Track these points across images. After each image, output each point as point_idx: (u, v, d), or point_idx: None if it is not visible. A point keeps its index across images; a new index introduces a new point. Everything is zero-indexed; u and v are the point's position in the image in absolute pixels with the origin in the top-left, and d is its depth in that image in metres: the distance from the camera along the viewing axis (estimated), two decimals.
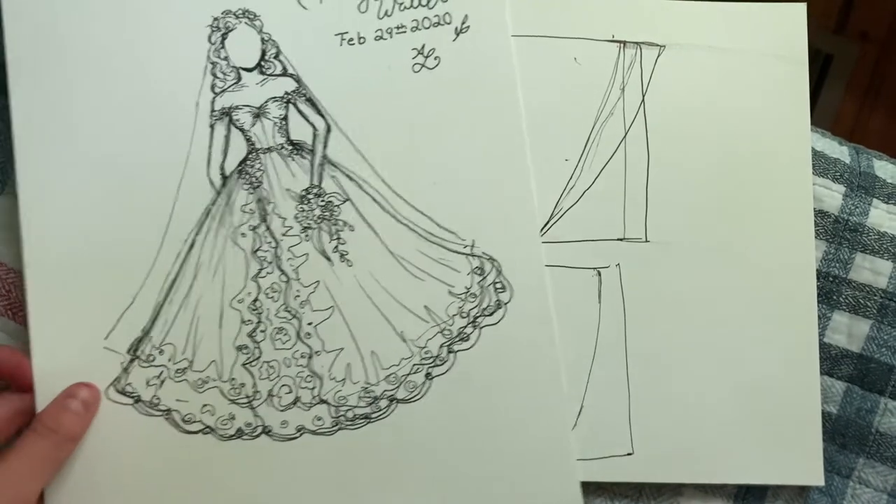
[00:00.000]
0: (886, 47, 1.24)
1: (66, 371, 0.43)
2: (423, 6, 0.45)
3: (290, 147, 0.45)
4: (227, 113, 0.45)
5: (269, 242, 0.45)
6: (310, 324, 0.44)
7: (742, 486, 0.46)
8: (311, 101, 0.45)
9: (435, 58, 0.45)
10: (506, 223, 0.45)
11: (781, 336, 0.46)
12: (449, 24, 0.46)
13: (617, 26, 0.48)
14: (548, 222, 0.46)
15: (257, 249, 0.44)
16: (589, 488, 0.45)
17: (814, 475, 0.45)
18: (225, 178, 0.44)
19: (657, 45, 0.48)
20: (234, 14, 0.45)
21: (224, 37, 0.45)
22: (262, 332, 0.44)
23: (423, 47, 0.45)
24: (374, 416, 0.44)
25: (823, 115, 1.23)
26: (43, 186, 0.44)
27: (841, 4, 1.25)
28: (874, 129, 1.23)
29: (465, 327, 0.44)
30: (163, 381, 0.44)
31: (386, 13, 0.45)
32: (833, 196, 0.48)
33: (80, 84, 0.44)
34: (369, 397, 0.44)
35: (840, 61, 1.24)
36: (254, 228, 0.45)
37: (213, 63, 0.45)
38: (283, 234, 0.45)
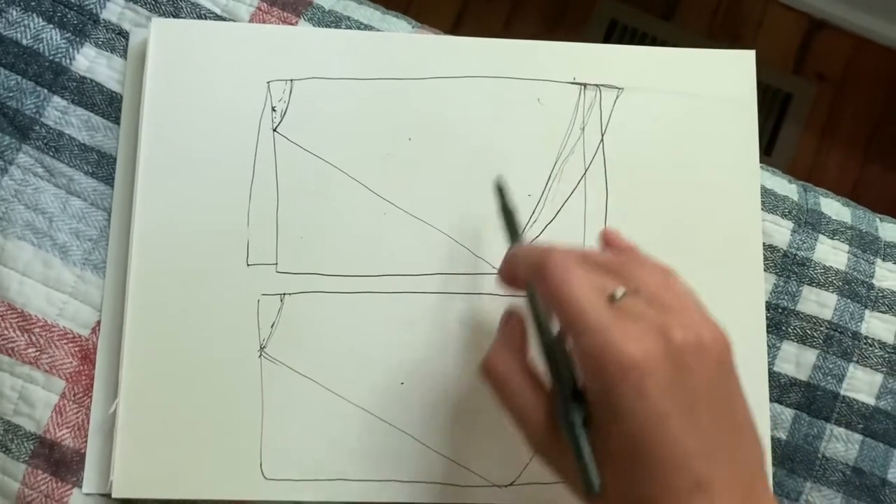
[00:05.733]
0: (841, 88, 1.29)
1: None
2: None
3: None
4: None
5: None
6: None
7: None
8: None
9: None
10: None
11: None
12: None
13: (578, 70, 0.50)
14: None
15: None
16: None
17: None
18: None
19: (616, 88, 0.50)
20: None
21: None
22: None
23: None
24: None
25: (783, 153, 1.27)
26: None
27: (798, 45, 1.30)
28: (832, 166, 1.27)
29: None
30: None
31: None
32: (782, 231, 0.50)
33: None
34: None
35: (798, 100, 1.28)
36: None
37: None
38: None
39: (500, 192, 0.45)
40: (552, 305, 0.37)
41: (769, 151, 1.26)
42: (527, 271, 0.38)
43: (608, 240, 0.43)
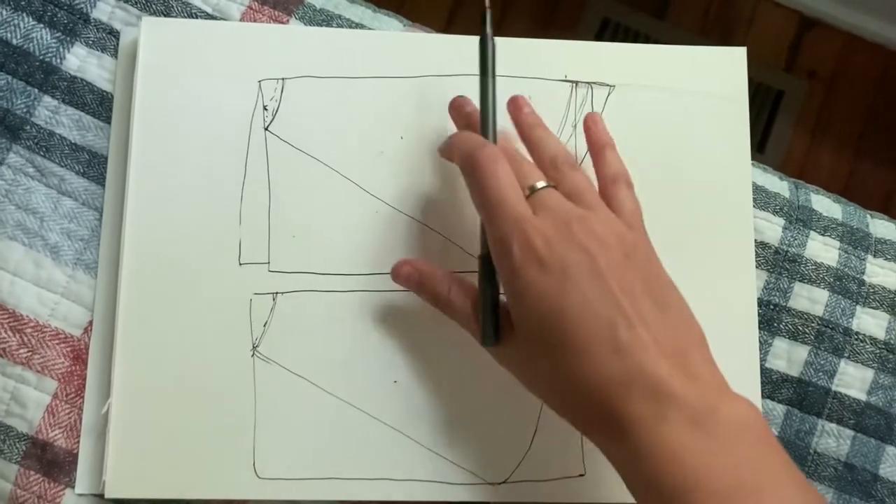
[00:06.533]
0: (832, 85, 1.30)
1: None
2: None
3: None
4: None
5: None
6: None
7: None
8: None
9: None
10: None
11: (726, 361, 0.47)
12: None
13: (569, 67, 0.50)
14: None
15: None
16: None
17: None
18: None
19: (607, 85, 0.50)
20: None
21: None
22: None
23: None
24: None
25: (775, 150, 1.27)
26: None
27: (790, 43, 1.30)
28: (823, 163, 1.28)
29: None
30: None
31: None
32: (773, 228, 0.51)
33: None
34: None
35: (790, 98, 1.28)
36: None
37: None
38: None
39: (483, 20, 0.46)
40: (474, 196, 0.41)
41: (761, 149, 1.27)
42: (460, 159, 0.42)
43: (585, 127, 0.47)
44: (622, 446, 0.36)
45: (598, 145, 0.45)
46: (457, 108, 0.46)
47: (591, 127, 0.46)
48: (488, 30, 0.45)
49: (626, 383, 0.35)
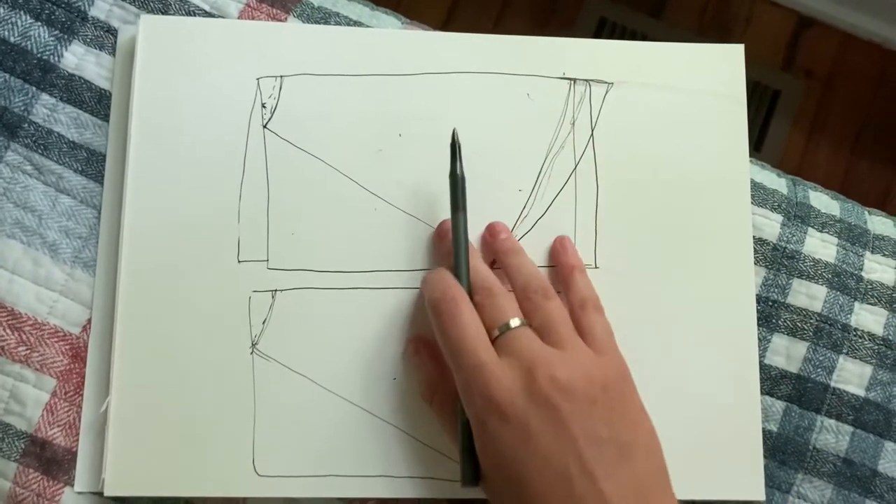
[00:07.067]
0: (829, 84, 1.30)
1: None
2: None
3: None
4: None
5: None
6: None
7: (686, 502, 0.48)
8: None
9: None
10: None
11: (724, 358, 0.48)
12: None
13: (568, 65, 0.50)
14: None
15: None
16: None
17: (755, 491, 0.47)
18: None
19: (605, 83, 0.50)
20: None
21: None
22: None
23: None
24: None
25: (773, 149, 1.27)
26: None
27: (787, 42, 1.31)
28: (820, 162, 1.28)
29: None
30: None
31: None
32: (771, 225, 0.51)
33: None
34: None
35: (787, 97, 1.29)
36: None
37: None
38: None
39: (453, 153, 0.45)
40: (439, 341, 0.41)
41: (758, 148, 1.27)
42: (427, 302, 0.42)
43: (554, 251, 0.47)
44: None
45: (567, 268, 0.45)
46: (441, 235, 0.47)
47: (560, 250, 0.47)
48: (459, 165, 0.45)
49: None
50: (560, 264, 0.46)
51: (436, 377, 0.44)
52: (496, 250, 0.46)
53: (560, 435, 0.37)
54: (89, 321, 0.46)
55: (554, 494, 0.36)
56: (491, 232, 0.47)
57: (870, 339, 0.50)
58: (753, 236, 0.50)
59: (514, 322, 0.40)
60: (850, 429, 0.49)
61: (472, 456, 0.40)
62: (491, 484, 0.39)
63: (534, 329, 0.41)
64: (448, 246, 0.44)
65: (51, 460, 0.45)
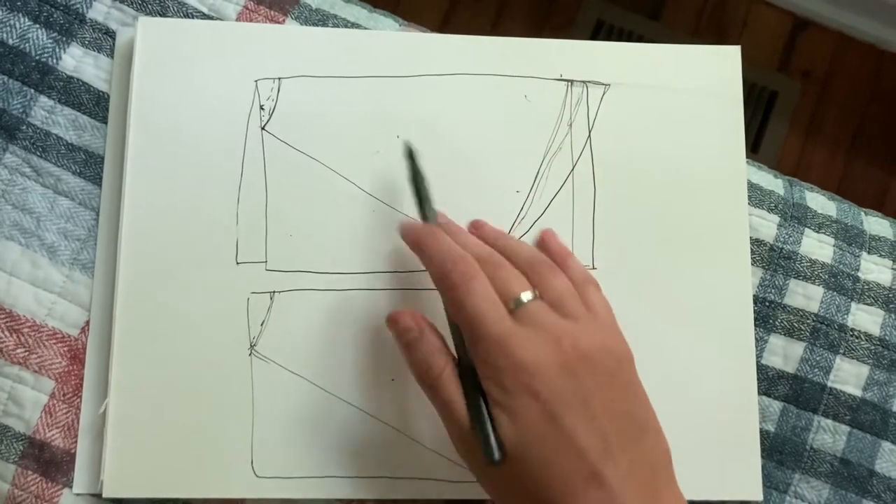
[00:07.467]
0: (826, 85, 1.30)
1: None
2: None
3: None
4: None
5: None
6: None
7: None
8: None
9: None
10: None
11: (722, 358, 0.48)
12: None
13: (565, 66, 0.50)
14: None
15: None
16: None
17: (753, 490, 0.47)
18: None
19: (602, 84, 0.50)
20: None
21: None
22: None
23: None
24: None
25: (769, 150, 1.28)
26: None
27: (784, 44, 1.31)
28: (817, 162, 1.28)
29: None
30: None
31: None
32: (768, 226, 0.51)
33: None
34: None
35: (784, 98, 1.29)
36: None
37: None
38: None
39: (411, 157, 0.45)
40: (454, 315, 0.39)
41: (755, 149, 1.27)
42: (434, 276, 0.40)
43: (542, 241, 0.46)
44: None
45: (560, 256, 0.44)
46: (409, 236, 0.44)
47: (549, 241, 0.45)
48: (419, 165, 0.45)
49: None
50: (553, 252, 0.45)
51: (438, 355, 0.40)
52: (485, 238, 0.44)
53: (584, 409, 0.36)
54: (88, 323, 0.46)
55: (574, 471, 0.36)
56: (474, 225, 0.46)
57: (866, 340, 0.50)
58: (750, 237, 0.50)
59: (527, 295, 0.39)
60: (846, 429, 0.49)
61: (494, 429, 0.37)
62: (509, 464, 0.37)
63: (545, 303, 0.40)
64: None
65: (49, 462, 0.45)
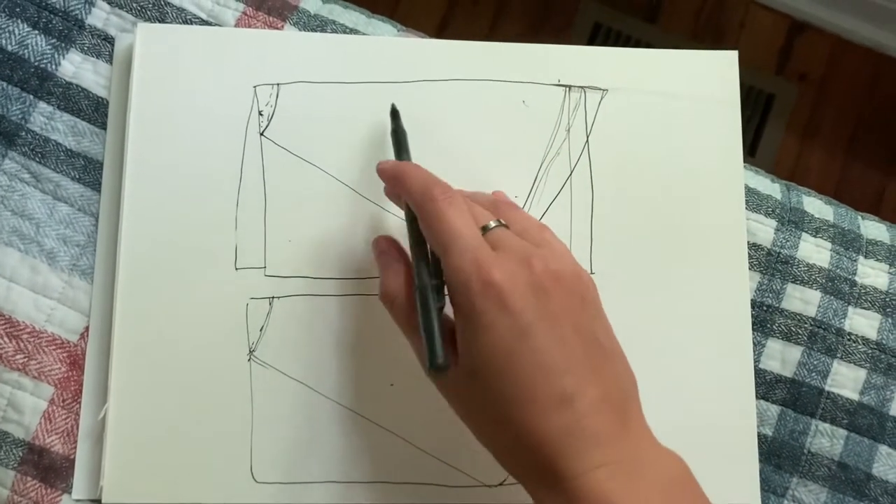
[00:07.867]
0: (823, 88, 1.30)
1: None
2: None
3: None
4: None
5: None
6: None
7: None
8: None
9: None
10: None
11: (719, 362, 0.49)
12: None
13: (563, 72, 0.51)
14: None
15: None
16: None
17: (751, 495, 0.47)
18: None
19: (600, 90, 0.51)
20: None
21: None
22: None
23: None
24: None
25: (766, 153, 1.28)
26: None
27: (781, 47, 1.31)
28: (814, 165, 1.28)
29: None
30: None
31: None
32: (765, 230, 0.51)
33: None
34: None
35: (781, 101, 1.29)
36: None
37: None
38: None
39: (394, 116, 0.47)
40: (430, 229, 0.40)
41: (753, 152, 1.27)
42: (414, 197, 0.41)
43: (496, 196, 0.47)
44: (558, 497, 0.36)
45: (506, 207, 0.45)
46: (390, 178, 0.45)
47: (501, 196, 0.47)
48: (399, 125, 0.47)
49: (567, 435, 0.35)
50: (507, 203, 0.46)
51: (403, 274, 0.42)
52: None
53: (554, 328, 0.36)
54: (87, 329, 0.46)
55: (544, 389, 0.36)
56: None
57: (863, 344, 0.50)
58: (748, 241, 0.50)
59: (494, 223, 0.40)
60: (844, 433, 0.49)
61: (440, 338, 0.38)
62: (465, 374, 0.38)
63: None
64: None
65: (49, 468, 0.45)
